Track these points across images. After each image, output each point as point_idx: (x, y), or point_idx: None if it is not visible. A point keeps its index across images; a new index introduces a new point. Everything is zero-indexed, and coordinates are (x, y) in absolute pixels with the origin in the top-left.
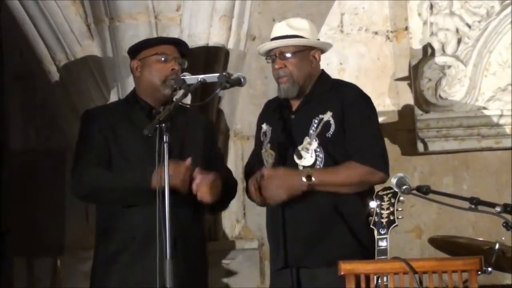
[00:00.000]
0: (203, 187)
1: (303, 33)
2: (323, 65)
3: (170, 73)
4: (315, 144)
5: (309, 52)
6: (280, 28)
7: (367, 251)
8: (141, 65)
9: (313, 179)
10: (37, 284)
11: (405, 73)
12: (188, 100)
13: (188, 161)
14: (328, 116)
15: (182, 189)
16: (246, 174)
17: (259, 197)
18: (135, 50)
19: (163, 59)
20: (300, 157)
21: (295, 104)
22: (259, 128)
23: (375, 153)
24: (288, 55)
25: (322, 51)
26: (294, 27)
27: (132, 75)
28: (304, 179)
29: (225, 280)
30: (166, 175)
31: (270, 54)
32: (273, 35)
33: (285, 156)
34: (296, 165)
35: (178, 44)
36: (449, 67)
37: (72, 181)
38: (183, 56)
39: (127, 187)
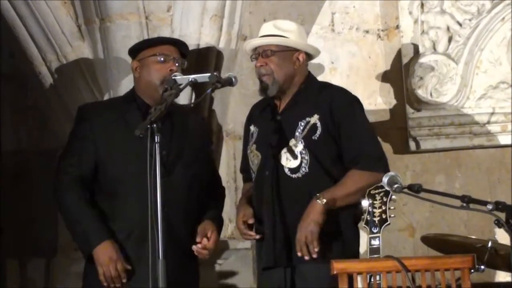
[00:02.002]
0: (205, 251)
1: (289, 34)
2: (314, 64)
3: (168, 73)
4: (300, 146)
5: (292, 53)
6: (266, 28)
7: (352, 250)
8: (140, 66)
9: (324, 201)
10: (30, 285)
11: (396, 71)
12: (186, 100)
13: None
14: (315, 119)
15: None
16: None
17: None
18: (135, 51)
19: (162, 59)
20: (285, 159)
21: (281, 106)
22: (247, 130)
23: (373, 157)
24: (270, 53)
25: (310, 55)
26: (280, 27)
27: (133, 75)
28: (319, 203)
29: (218, 280)
30: (158, 173)
31: (254, 53)
32: (260, 34)
33: (271, 157)
34: (282, 166)
35: (177, 44)
36: (441, 65)
37: (53, 182)
38: (183, 56)
39: (75, 235)
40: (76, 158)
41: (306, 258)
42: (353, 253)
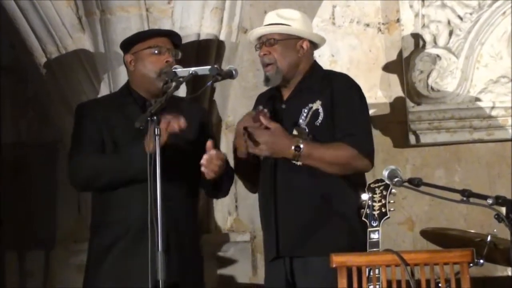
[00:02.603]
0: (215, 160)
1: (292, 23)
2: (315, 57)
3: (164, 65)
4: (304, 133)
5: (296, 42)
6: (270, 17)
7: (359, 241)
8: (134, 59)
9: (301, 147)
10: (29, 278)
11: (396, 65)
12: (185, 93)
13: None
14: (317, 104)
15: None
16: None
17: (246, 142)
18: (128, 44)
19: (156, 51)
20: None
21: (286, 94)
22: None
23: (364, 140)
24: (273, 42)
25: (314, 43)
26: (283, 16)
27: (126, 69)
28: (293, 147)
29: (217, 272)
30: (159, 165)
31: (258, 42)
32: (264, 23)
33: None
34: None
35: (170, 35)
36: (441, 59)
37: (70, 169)
38: (176, 47)
39: (122, 166)
40: (88, 145)
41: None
42: (361, 244)
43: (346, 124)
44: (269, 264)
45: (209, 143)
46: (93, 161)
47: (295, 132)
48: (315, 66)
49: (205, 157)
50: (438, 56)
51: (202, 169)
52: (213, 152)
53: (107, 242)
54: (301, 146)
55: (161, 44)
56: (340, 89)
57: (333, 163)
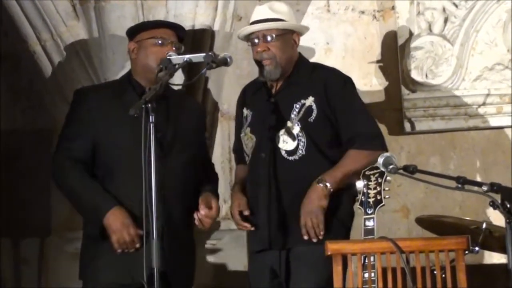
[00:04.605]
0: (208, 219)
1: (284, 16)
2: (310, 44)
3: (165, 57)
4: (297, 128)
5: (291, 36)
6: (262, 11)
7: (348, 229)
8: (137, 47)
9: (327, 184)
10: (24, 265)
11: (392, 52)
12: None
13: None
14: (310, 101)
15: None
16: (236, 160)
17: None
18: (133, 32)
19: (159, 42)
20: (282, 141)
21: (274, 88)
22: (239, 113)
23: (370, 136)
24: (271, 38)
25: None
26: (276, 10)
27: (129, 57)
28: (321, 186)
29: (211, 260)
30: (153, 152)
31: (250, 37)
32: (254, 18)
33: (267, 139)
34: (279, 148)
35: (176, 28)
36: (436, 46)
37: (52, 167)
38: (180, 41)
39: (84, 209)
40: (74, 142)
41: (314, 240)
42: (346, 230)
43: (349, 126)
44: (257, 255)
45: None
46: (70, 182)
47: (287, 126)
48: (301, 58)
49: (196, 217)
50: (433, 43)
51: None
52: (203, 212)
53: (101, 230)
54: (324, 181)
55: (165, 36)
56: (334, 88)
57: (356, 172)
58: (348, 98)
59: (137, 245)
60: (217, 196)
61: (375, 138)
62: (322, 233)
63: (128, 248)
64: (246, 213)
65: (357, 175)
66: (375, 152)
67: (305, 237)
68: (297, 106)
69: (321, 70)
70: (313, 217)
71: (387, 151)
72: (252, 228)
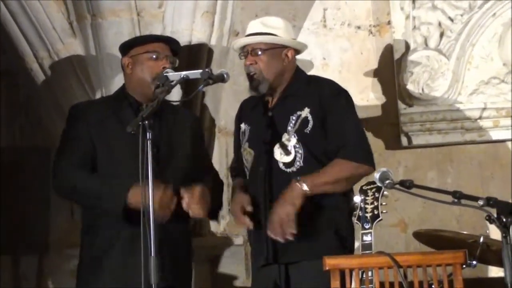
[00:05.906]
0: (193, 205)
1: (277, 31)
2: (305, 60)
3: (161, 71)
4: (294, 140)
5: (281, 51)
6: (254, 26)
7: (349, 244)
8: (132, 62)
9: (304, 185)
10: (23, 282)
11: (388, 67)
12: (178, 97)
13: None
14: (306, 112)
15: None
16: (233, 176)
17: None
18: (127, 47)
19: (154, 56)
20: (279, 153)
21: (271, 102)
22: (237, 128)
23: (357, 148)
24: (259, 52)
25: (298, 51)
26: (268, 25)
27: (123, 72)
28: (298, 186)
29: (210, 276)
30: (150, 169)
31: (243, 50)
32: (247, 32)
33: (264, 153)
34: (276, 161)
35: (170, 42)
36: (432, 60)
37: (53, 179)
38: (175, 54)
39: (101, 194)
40: (73, 158)
41: (281, 240)
42: (350, 248)
43: (338, 135)
44: (259, 270)
45: (182, 192)
46: (76, 180)
47: (284, 138)
48: (298, 71)
49: (184, 205)
50: (429, 57)
51: (190, 213)
52: (186, 198)
53: (99, 247)
54: (304, 182)
55: (160, 50)
56: (328, 97)
57: (338, 181)
58: (339, 108)
59: (172, 206)
60: (210, 184)
61: (362, 151)
62: (292, 232)
63: (165, 212)
64: (249, 208)
65: (336, 186)
66: (360, 165)
67: (271, 235)
68: (294, 118)
69: (316, 82)
70: (284, 215)
71: (373, 166)
72: (251, 227)
